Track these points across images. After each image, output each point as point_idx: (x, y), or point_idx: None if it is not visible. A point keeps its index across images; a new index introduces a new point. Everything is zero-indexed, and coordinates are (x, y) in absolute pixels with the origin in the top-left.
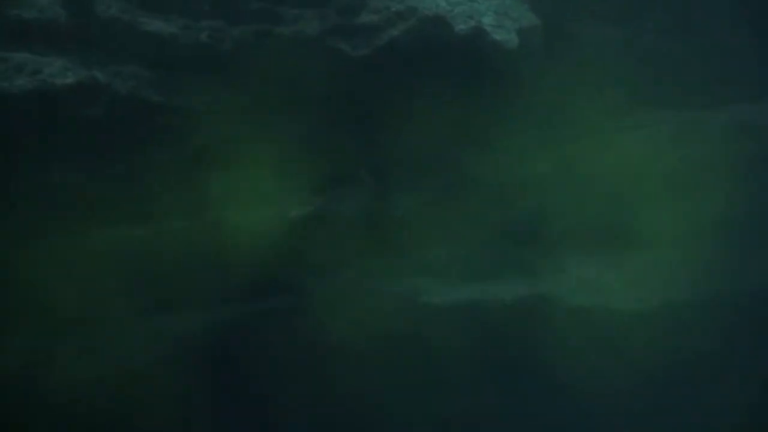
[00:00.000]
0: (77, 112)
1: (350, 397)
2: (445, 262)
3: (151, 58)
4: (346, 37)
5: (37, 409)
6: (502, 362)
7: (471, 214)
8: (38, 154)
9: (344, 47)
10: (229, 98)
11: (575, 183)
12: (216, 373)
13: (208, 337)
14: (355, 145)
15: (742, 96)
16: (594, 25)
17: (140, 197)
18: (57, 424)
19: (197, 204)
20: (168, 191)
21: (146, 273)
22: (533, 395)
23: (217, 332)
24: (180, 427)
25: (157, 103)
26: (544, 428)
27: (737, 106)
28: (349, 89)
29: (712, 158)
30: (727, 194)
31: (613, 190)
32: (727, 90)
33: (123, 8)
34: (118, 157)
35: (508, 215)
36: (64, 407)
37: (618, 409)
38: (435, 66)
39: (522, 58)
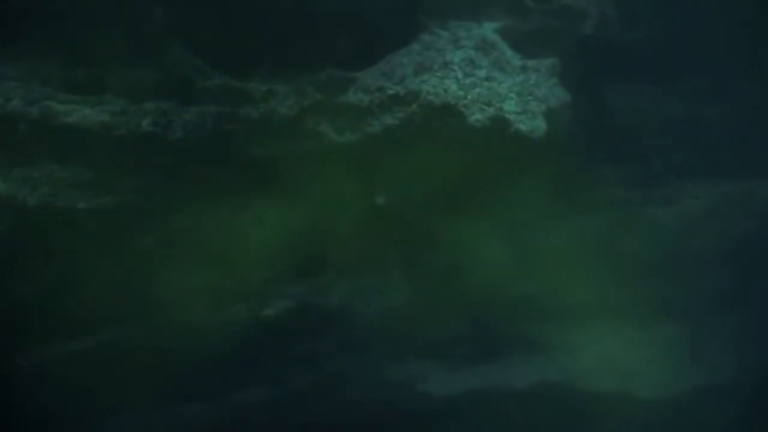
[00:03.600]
0: None
1: None
2: (449, 344)
3: (73, 156)
4: (329, 119)
5: None
6: None
7: (478, 291)
8: None
9: (326, 130)
10: (179, 192)
11: (593, 257)
12: None
13: None
14: (341, 229)
15: None
16: (622, 90)
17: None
18: None
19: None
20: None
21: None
22: None
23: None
24: None
25: (83, 210)
26: None
27: None
28: (331, 174)
29: (754, 235)
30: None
31: (638, 265)
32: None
33: (33, 97)
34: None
35: (518, 291)
36: None
37: None
38: (441, 156)
39: (549, 142)
